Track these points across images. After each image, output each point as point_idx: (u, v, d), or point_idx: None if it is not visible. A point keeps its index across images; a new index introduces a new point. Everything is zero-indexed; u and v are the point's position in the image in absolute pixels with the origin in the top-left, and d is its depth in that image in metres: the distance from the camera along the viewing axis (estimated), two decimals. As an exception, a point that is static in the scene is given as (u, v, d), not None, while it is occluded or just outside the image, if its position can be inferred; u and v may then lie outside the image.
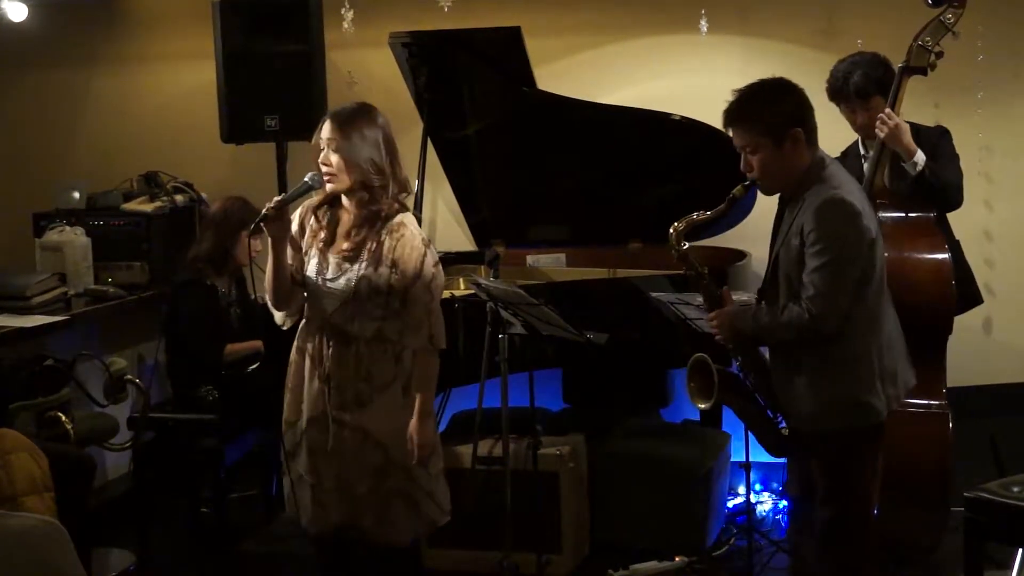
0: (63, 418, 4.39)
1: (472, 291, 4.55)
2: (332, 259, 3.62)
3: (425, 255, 3.60)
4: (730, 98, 3.46)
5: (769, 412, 3.55)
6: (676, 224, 3.55)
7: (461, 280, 5.22)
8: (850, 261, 3.33)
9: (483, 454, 4.49)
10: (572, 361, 4.90)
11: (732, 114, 3.42)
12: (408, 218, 3.65)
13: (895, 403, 3.45)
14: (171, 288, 4.97)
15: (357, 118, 3.58)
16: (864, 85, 4.35)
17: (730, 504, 5.03)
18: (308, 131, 4.85)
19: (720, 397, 3.51)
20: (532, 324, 4.14)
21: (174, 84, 6.03)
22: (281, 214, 3.54)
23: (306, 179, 3.61)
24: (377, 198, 3.60)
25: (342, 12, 5.32)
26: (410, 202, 4.87)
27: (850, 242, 3.33)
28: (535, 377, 4.32)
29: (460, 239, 5.72)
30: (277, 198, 3.55)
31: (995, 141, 5.23)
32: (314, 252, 3.65)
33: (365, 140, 3.56)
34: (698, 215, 3.56)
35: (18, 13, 5.60)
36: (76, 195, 5.54)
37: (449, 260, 5.48)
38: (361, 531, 3.68)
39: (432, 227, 5.82)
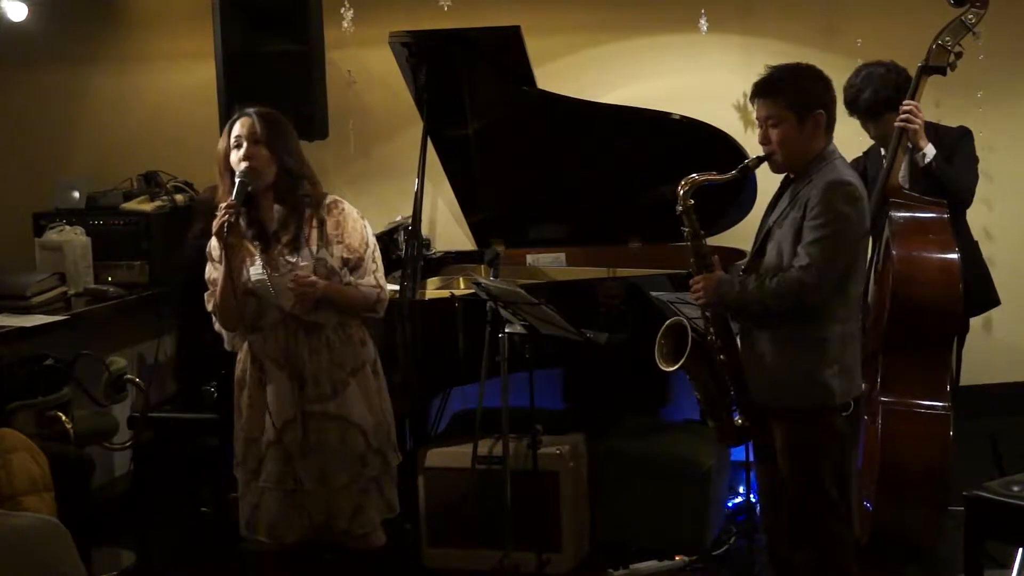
0: (63, 418, 4.39)
1: (472, 291, 4.55)
2: (277, 258, 3.63)
3: (366, 226, 3.72)
4: (750, 85, 3.56)
5: (727, 396, 3.60)
6: (684, 180, 3.60)
7: (461, 280, 5.22)
8: (848, 241, 3.44)
9: (483, 454, 4.49)
10: (572, 361, 4.91)
11: (764, 85, 3.53)
12: (338, 197, 3.73)
13: (847, 396, 3.52)
14: (182, 268, 4.94)
15: (272, 113, 3.65)
16: (874, 104, 4.41)
17: (730, 504, 5.03)
18: (308, 131, 4.90)
19: (688, 364, 3.55)
20: (532, 324, 4.15)
21: (174, 84, 6.02)
22: (238, 219, 3.56)
23: (240, 179, 3.58)
24: (299, 186, 3.64)
25: (342, 12, 5.32)
26: (408, 204, 4.94)
27: (851, 223, 3.44)
28: (535, 377, 4.32)
29: (460, 239, 5.72)
30: (226, 204, 3.53)
31: (995, 141, 5.23)
32: (253, 259, 3.65)
33: (284, 129, 3.65)
34: (702, 175, 3.61)
35: (18, 13, 5.59)
36: (76, 195, 5.53)
37: (449, 259, 5.50)
38: (335, 532, 3.68)
39: (432, 226, 5.83)
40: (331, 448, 3.64)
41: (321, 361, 3.65)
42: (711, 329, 3.63)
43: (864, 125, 4.54)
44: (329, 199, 3.70)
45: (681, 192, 3.60)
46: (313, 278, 3.57)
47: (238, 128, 3.61)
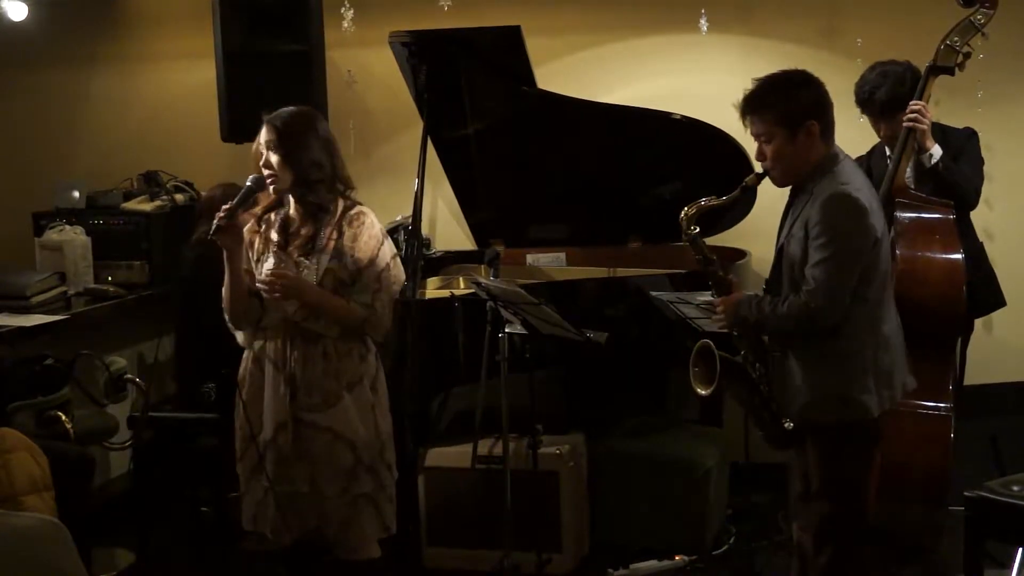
0: (63, 417, 4.39)
1: (472, 290, 4.55)
2: (290, 260, 3.61)
3: (382, 244, 3.64)
4: (749, 87, 3.48)
5: (772, 404, 3.55)
6: (687, 208, 3.56)
7: (461, 279, 5.23)
8: (853, 257, 3.34)
9: (483, 453, 4.49)
10: (572, 361, 4.91)
11: (750, 102, 3.45)
12: (366, 210, 3.68)
13: (889, 403, 3.46)
14: (182, 271, 4.94)
15: (294, 118, 3.63)
16: (889, 102, 4.39)
17: (730, 504, 5.03)
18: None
19: (722, 385, 3.50)
20: (532, 323, 4.14)
21: (174, 84, 6.02)
22: (232, 223, 3.53)
23: (248, 183, 3.62)
24: (317, 192, 3.61)
25: (342, 11, 5.31)
26: (409, 204, 4.94)
27: (854, 238, 3.35)
28: (535, 377, 4.32)
29: (460, 239, 5.72)
30: (225, 207, 3.53)
31: (995, 141, 5.21)
32: (269, 255, 3.64)
33: (302, 137, 3.59)
34: (707, 200, 3.57)
35: (18, 13, 5.60)
36: (76, 194, 5.53)
37: (449, 259, 5.50)
38: (326, 539, 3.65)
39: (432, 227, 5.82)
40: (319, 458, 3.61)
41: (315, 370, 3.61)
42: (742, 345, 3.57)
43: (875, 124, 4.52)
44: (355, 210, 3.65)
45: (684, 221, 3.56)
46: (288, 272, 3.55)
47: (261, 135, 3.63)
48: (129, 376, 4.73)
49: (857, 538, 3.54)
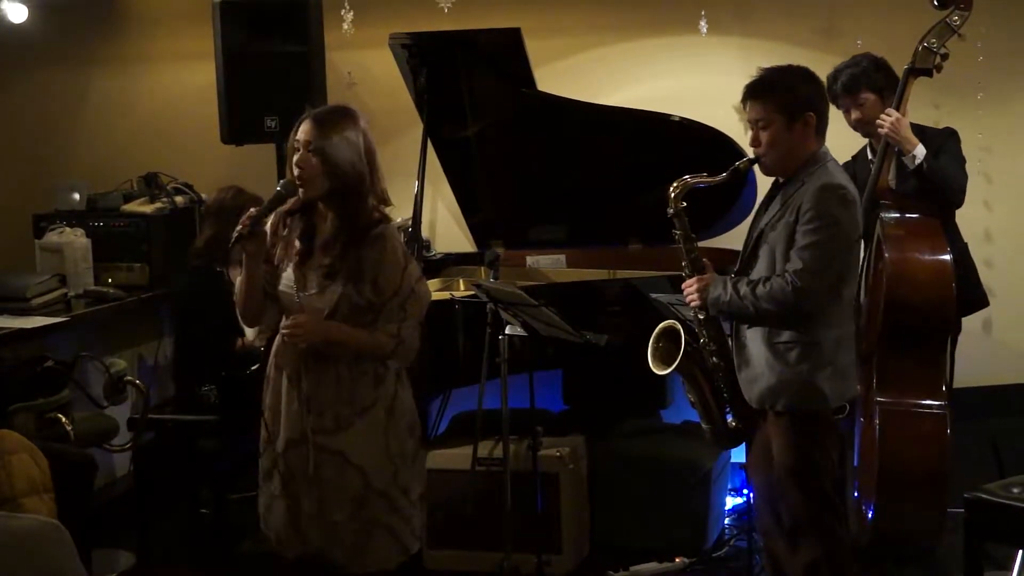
0: (63, 419, 4.39)
1: (472, 292, 4.56)
2: (311, 273, 3.41)
3: (405, 268, 3.42)
4: (755, 74, 3.57)
5: (721, 398, 3.63)
6: (674, 184, 3.61)
7: (461, 281, 5.23)
8: (841, 244, 3.44)
9: (483, 455, 4.49)
10: (572, 362, 4.91)
11: (754, 87, 3.53)
12: (389, 230, 3.44)
13: (837, 400, 3.52)
14: (182, 281, 4.95)
15: (338, 119, 3.37)
16: (849, 81, 4.44)
17: (730, 504, 5.04)
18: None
19: (681, 367, 3.55)
20: (532, 325, 4.15)
21: (174, 84, 6.03)
22: (255, 231, 3.34)
23: (278, 188, 3.40)
24: (355, 206, 3.38)
25: (342, 13, 5.32)
26: (408, 206, 4.95)
27: (844, 227, 3.44)
28: (535, 378, 4.32)
29: (460, 239, 5.73)
30: (250, 213, 3.36)
31: (995, 141, 5.23)
32: (290, 265, 3.44)
33: (345, 143, 3.34)
34: (694, 177, 3.62)
35: (18, 14, 5.60)
36: (76, 196, 5.53)
37: (449, 261, 5.50)
38: (334, 561, 3.49)
39: (432, 227, 5.83)
40: (328, 481, 3.44)
41: (327, 393, 3.42)
42: (704, 332, 3.63)
43: (845, 112, 4.51)
44: (377, 230, 3.38)
45: (672, 195, 3.61)
46: (304, 326, 3.35)
47: (301, 130, 3.38)
48: (129, 378, 4.72)
49: (838, 538, 3.56)
